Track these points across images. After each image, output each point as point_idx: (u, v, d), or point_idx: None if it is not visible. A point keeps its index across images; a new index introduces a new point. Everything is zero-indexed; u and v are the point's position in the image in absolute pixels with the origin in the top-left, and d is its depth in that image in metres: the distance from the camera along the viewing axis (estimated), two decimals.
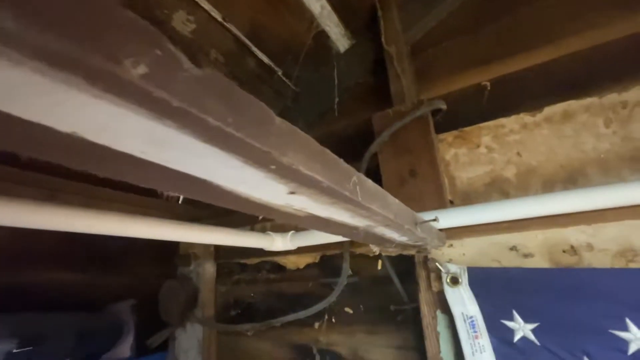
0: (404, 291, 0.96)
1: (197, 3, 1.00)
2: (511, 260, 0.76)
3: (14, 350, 0.86)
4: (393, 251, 0.85)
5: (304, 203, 0.35)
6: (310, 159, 0.26)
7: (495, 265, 0.77)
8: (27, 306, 1.05)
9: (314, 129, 1.35)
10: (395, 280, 0.96)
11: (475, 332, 0.74)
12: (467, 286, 0.77)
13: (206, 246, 1.27)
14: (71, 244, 1.29)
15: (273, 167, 0.24)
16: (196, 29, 1.07)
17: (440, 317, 0.83)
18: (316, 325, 1.16)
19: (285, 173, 0.26)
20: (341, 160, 0.32)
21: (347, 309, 1.13)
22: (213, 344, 1.18)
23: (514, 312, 0.71)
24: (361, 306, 1.11)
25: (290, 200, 0.34)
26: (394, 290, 1.03)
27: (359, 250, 0.97)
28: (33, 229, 1.18)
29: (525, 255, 0.75)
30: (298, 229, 1.07)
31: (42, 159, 0.21)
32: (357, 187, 0.34)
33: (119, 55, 0.13)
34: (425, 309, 0.85)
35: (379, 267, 1.00)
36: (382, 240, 0.65)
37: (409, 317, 0.95)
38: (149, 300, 1.37)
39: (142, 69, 0.14)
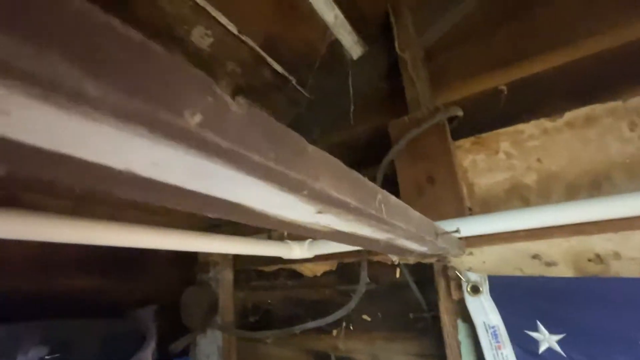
0: (423, 299, 0.95)
1: (214, 18, 1.03)
2: (534, 269, 0.75)
3: (46, 357, 0.89)
4: (412, 260, 0.85)
5: (330, 221, 0.36)
6: (339, 182, 0.27)
7: (517, 273, 0.76)
8: (52, 313, 1.09)
9: (328, 136, 1.36)
10: (414, 288, 0.96)
11: (497, 342, 0.73)
12: (488, 295, 0.76)
13: (225, 254, 1.30)
14: (94, 251, 1.33)
15: (305, 192, 0.25)
16: (214, 42, 1.10)
17: (461, 325, 0.82)
18: (334, 332, 1.16)
19: (317, 196, 0.26)
20: (366, 180, 0.33)
21: (364, 317, 1.13)
22: (233, 350, 1.20)
23: (538, 323, 0.70)
24: (379, 314, 1.11)
25: (318, 219, 0.35)
26: (412, 297, 1.02)
27: (376, 258, 0.97)
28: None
29: (549, 264, 0.73)
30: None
31: (94, 190, 0.22)
32: (382, 205, 0.35)
33: (181, 107, 0.14)
34: (445, 318, 0.84)
35: (397, 275, 1.00)
36: (402, 251, 0.65)
37: (429, 325, 0.94)
38: (170, 306, 1.40)
39: (197, 118, 0.15)
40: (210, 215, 0.30)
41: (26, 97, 0.11)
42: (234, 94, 1.26)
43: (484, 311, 0.76)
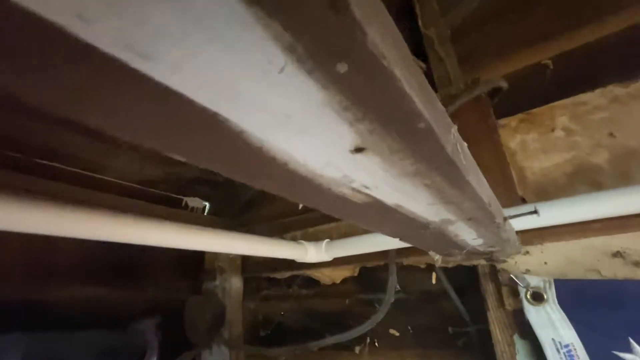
0: (465, 310, 0.79)
1: None
2: (616, 270, 0.58)
3: None
4: (454, 261, 0.70)
5: (370, 173, 0.23)
6: (402, 59, 0.14)
7: (593, 276, 0.60)
8: (43, 324, 0.99)
9: None
10: (454, 296, 0.80)
11: None
12: (556, 304, 0.61)
13: (232, 259, 1.17)
14: (93, 258, 1.23)
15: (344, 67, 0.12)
16: None
17: (519, 343, 0.66)
18: (357, 349, 1.00)
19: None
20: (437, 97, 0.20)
21: (392, 331, 0.97)
22: None
23: (631, 341, 0.54)
24: (409, 327, 0.95)
25: (353, 169, 0.22)
26: (450, 308, 0.86)
27: (406, 261, 0.83)
28: (52, 239, 1.12)
29: (637, 264, 0.57)
30: (333, 237, 0.94)
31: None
32: (459, 145, 0.22)
33: None
34: (497, 333, 0.68)
35: (434, 280, 0.84)
36: (449, 245, 0.51)
37: (474, 342, 0.78)
38: (173, 318, 1.28)
39: None
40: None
41: None
42: None
43: (552, 325, 0.60)
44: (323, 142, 0.18)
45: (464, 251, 0.54)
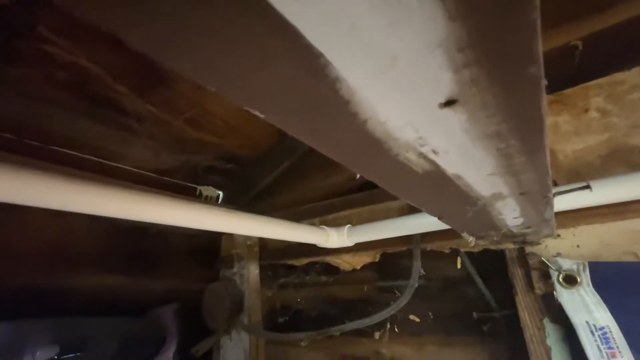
0: (490, 295, 0.79)
1: None
2: None
3: (56, 357, 0.79)
4: (483, 245, 0.69)
5: (448, 134, 0.21)
6: None
7: (629, 259, 0.59)
8: (67, 310, 1.00)
9: None
10: (479, 281, 0.79)
11: (610, 347, 0.56)
12: (591, 287, 0.59)
13: (250, 246, 1.17)
14: (113, 247, 1.24)
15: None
16: None
17: (550, 327, 0.65)
18: (377, 335, 1.00)
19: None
20: None
21: (412, 317, 0.97)
22: (262, 355, 1.07)
23: None
24: (430, 313, 0.95)
25: (431, 129, 0.21)
26: (473, 294, 0.86)
27: (430, 246, 0.82)
28: (75, 230, 1.13)
29: None
30: (354, 223, 0.93)
31: None
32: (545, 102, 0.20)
33: None
34: (526, 317, 0.67)
35: (459, 265, 0.84)
36: (486, 226, 0.50)
37: (500, 327, 0.77)
38: (191, 305, 1.29)
39: None
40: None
41: None
42: None
43: (586, 308, 0.59)
44: (416, 94, 0.17)
45: (500, 232, 0.53)
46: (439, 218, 0.45)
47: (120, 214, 0.47)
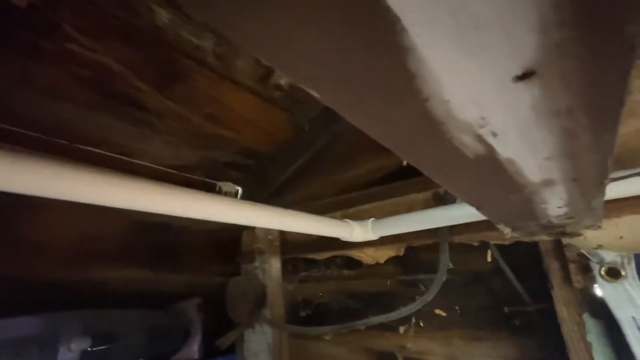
0: (522, 289, 0.76)
1: None
2: None
3: (89, 349, 0.82)
4: (516, 236, 0.66)
5: (514, 113, 0.20)
6: None
7: None
8: (95, 303, 1.03)
9: None
10: (510, 275, 0.76)
11: None
12: (636, 280, 0.56)
13: (271, 240, 1.17)
14: (137, 243, 1.27)
15: None
16: None
17: (590, 322, 0.62)
18: (401, 329, 0.99)
19: None
20: None
21: (438, 311, 0.95)
22: (285, 348, 1.07)
23: None
24: (457, 308, 0.92)
25: (497, 107, 0.19)
26: (501, 287, 0.83)
27: (458, 239, 0.79)
28: (102, 227, 1.15)
29: None
30: (376, 217, 0.92)
31: None
32: None
33: None
34: (564, 312, 0.64)
35: (489, 258, 0.81)
36: (526, 216, 0.48)
37: (534, 322, 0.74)
38: (211, 299, 1.31)
39: None
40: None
41: None
42: None
43: (632, 302, 0.55)
44: (492, 64, 0.15)
45: (539, 223, 0.51)
46: (477, 208, 0.43)
47: (157, 208, 0.47)
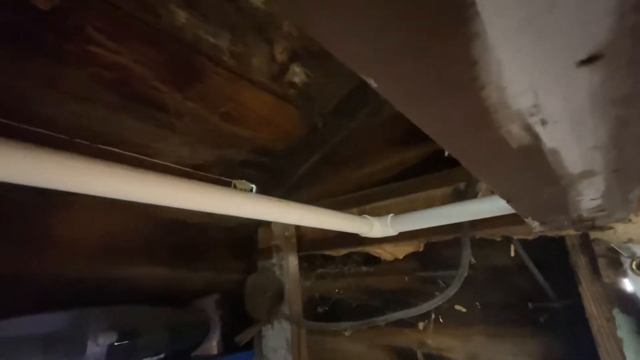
0: (547, 284, 0.75)
1: None
2: None
3: (114, 344, 0.84)
4: (542, 231, 0.65)
5: (570, 100, 0.19)
6: None
7: None
8: (119, 300, 1.05)
9: None
10: (534, 270, 0.75)
11: None
12: None
13: (288, 237, 1.18)
14: (157, 240, 1.29)
15: None
16: None
17: (620, 318, 0.60)
18: (420, 325, 0.99)
19: None
20: None
21: (458, 307, 0.95)
22: (303, 344, 1.08)
23: None
24: (477, 303, 0.92)
25: (553, 94, 0.19)
26: (523, 283, 0.82)
27: (480, 234, 0.78)
28: (123, 225, 1.18)
29: None
30: (394, 213, 0.91)
31: None
32: None
33: None
34: (592, 308, 0.63)
35: (512, 253, 0.80)
36: (558, 209, 0.47)
37: (560, 318, 0.73)
38: (229, 295, 1.33)
39: None
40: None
41: None
42: (289, 60, 1.13)
43: None
44: (559, 48, 0.15)
45: (570, 217, 0.50)
46: (508, 201, 0.42)
47: (182, 204, 0.48)
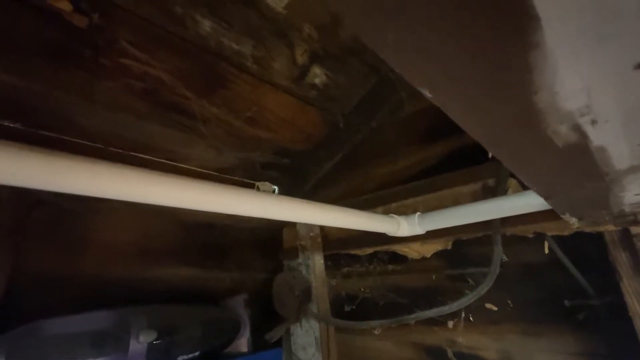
0: (585, 281, 0.73)
1: None
2: None
3: (154, 342, 0.88)
4: (579, 227, 0.64)
5: (621, 101, 0.20)
6: None
7: None
8: (154, 300, 1.10)
9: (419, 100, 1.18)
10: (570, 266, 0.73)
11: None
12: None
13: (313, 237, 1.20)
14: (186, 242, 1.34)
15: None
16: (289, 3, 0.99)
17: None
18: (450, 324, 0.98)
19: None
20: None
21: (489, 305, 0.93)
22: (332, 342, 1.09)
23: None
24: (509, 301, 0.90)
25: (607, 95, 0.19)
26: (558, 280, 0.80)
27: (511, 231, 0.77)
28: (154, 227, 1.22)
29: None
30: (421, 211, 0.91)
31: None
32: None
33: None
34: (635, 305, 0.61)
35: (546, 250, 0.78)
36: (599, 205, 0.46)
37: (599, 316, 0.71)
38: (257, 295, 1.36)
39: None
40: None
41: None
42: (310, 62, 1.15)
43: None
44: (618, 52, 0.15)
45: (612, 212, 0.48)
46: (546, 198, 0.42)
47: (211, 207, 0.50)
